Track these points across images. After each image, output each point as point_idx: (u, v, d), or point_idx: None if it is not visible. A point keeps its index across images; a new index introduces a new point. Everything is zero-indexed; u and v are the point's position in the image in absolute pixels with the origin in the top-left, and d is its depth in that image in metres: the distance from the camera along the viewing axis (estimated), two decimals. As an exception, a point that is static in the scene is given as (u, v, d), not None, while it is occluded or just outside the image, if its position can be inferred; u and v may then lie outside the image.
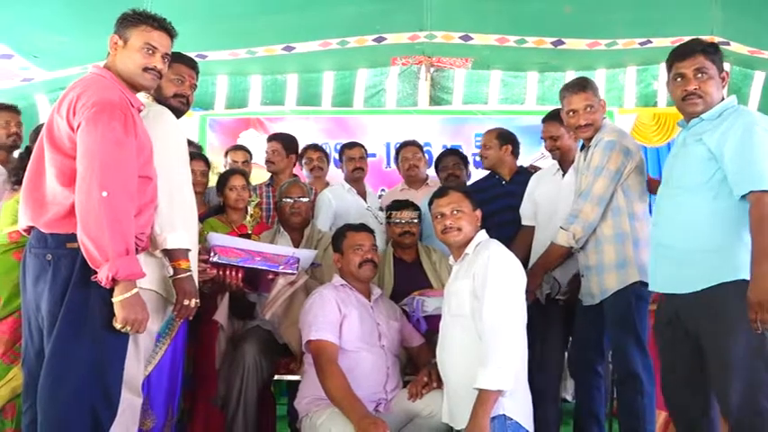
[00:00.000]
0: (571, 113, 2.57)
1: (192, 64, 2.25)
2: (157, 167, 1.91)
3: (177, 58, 2.18)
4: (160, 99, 2.13)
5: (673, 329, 2.15)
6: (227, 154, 3.97)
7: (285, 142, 3.72)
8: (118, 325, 1.72)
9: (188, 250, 1.97)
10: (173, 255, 1.94)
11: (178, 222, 1.95)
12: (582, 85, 2.58)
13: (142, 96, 2.01)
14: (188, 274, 1.96)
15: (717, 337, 1.99)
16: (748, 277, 1.90)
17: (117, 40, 1.91)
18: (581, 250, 2.58)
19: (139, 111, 1.91)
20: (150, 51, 1.90)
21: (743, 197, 1.93)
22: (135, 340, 1.88)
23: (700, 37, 2.30)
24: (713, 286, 1.98)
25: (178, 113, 2.18)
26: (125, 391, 1.87)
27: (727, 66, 5.02)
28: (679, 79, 2.11)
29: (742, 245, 1.95)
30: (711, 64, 2.09)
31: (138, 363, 1.93)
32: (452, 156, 3.62)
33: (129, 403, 1.90)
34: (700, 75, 2.08)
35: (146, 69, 1.89)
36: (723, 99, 2.10)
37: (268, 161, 3.71)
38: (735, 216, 1.97)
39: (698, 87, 2.07)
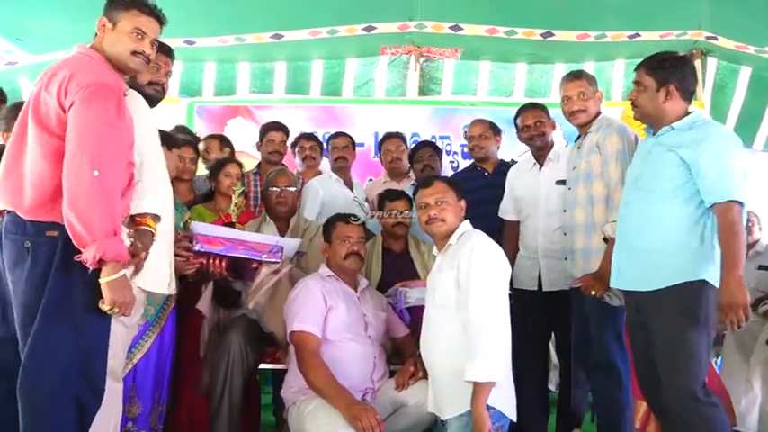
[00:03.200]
0: (565, 100, 2.65)
1: (167, 51, 2.23)
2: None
3: None
4: (134, 86, 2.11)
5: (635, 325, 2.26)
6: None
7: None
8: (105, 307, 1.72)
9: (156, 216, 1.96)
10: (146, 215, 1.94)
11: (147, 191, 1.93)
12: (577, 74, 2.71)
13: None
14: (149, 230, 1.93)
15: (670, 332, 2.08)
16: (708, 278, 2.05)
17: (106, 22, 1.90)
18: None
19: (125, 95, 1.90)
20: (139, 36, 1.89)
21: (711, 205, 2.04)
22: (115, 328, 1.88)
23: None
24: (675, 285, 2.08)
25: (153, 101, 2.17)
26: (107, 377, 1.87)
27: (713, 60, 5.11)
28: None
29: (704, 248, 2.07)
30: (651, 78, 2.22)
31: (115, 347, 1.91)
32: (428, 147, 3.65)
33: (111, 389, 1.89)
34: (637, 86, 2.26)
35: (134, 53, 1.89)
36: (689, 112, 2.23)
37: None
38: (701, 221, 2.09)
39: (634, 98, 2.27)
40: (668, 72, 2.21)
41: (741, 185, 2.04)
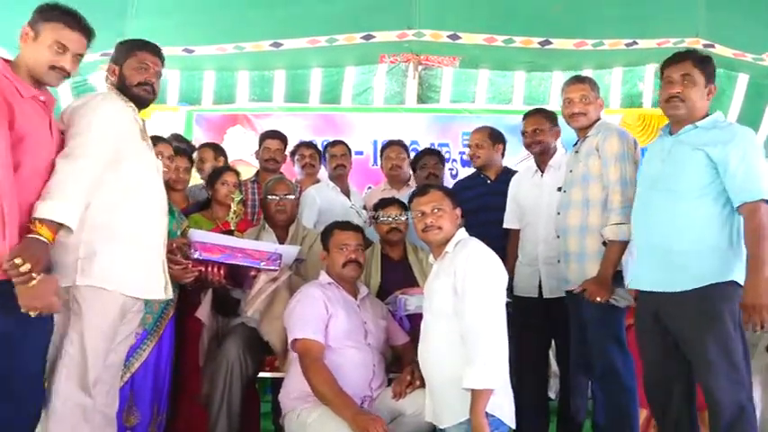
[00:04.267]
0: (567, 102, 2.65)
1: (155, 50, 2.17)
2: (68, 140, 1.88)
3: (139, 46, 2.13)
4: (123, 89, 2.10)
5: (653, 327, 2.21)
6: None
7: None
8: (24, 310, 1.70)
9: (59, 224, 1.77)
10: (43, 222, 1.75)
11: (57, 191, 1.77)
12: (581, 79, 2.73)
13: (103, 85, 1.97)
14: (37, 238, 1.73)
15: (704, 335, 2.05)
16: (738, 279, 2.02)
17: (28, 30, 1.85)
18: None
19: (42, 101, 1.86)
20: (60, 50, 1.85)
21: (739, 205, 2.03)
22: (81, 339, 1.89)
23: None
24: (705, 286, 2.05)
25: (143, 102, 2.14)
26: (74, 388, 1.88)
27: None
28: (666, 83, 2.21)
29: (733, 248, 2.05)
30: (699, 73, 2.17)
31: (84, 360, 1.90)
32: (432, 155, 3.65)
33: (77, 402, 1.89)
34: (685, 80, 2.17)
35: (52, 67, 1.85)
36: (708, 112, 2.21)
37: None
38: (729, 221, 2.08)
39: (680, 91, 2.16)
40: (712, 69, 2.21)
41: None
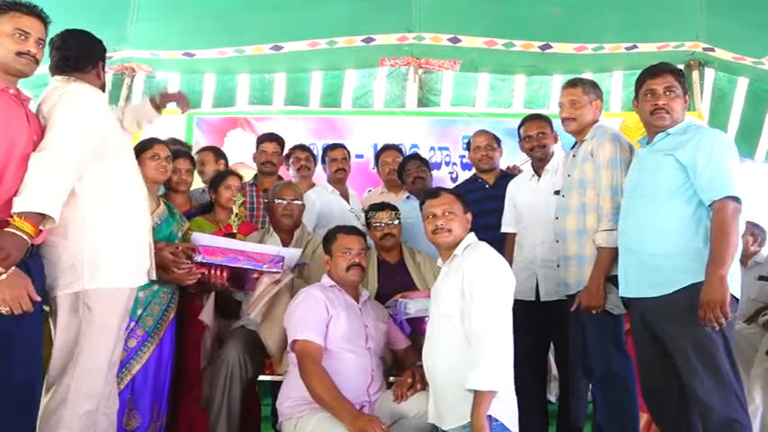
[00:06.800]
0: (560, 106, 2.67)
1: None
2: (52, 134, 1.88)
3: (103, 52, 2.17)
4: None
5: (642, 333, 2.24)
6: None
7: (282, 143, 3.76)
8: None
9: (41, 216, 1.76)
10: (22, 216, 1.75)
11: (33, 184, 1.76)
12: (573, 83, 2.70)
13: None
14: (12, 232, 1.72)
15: (682, 338, 2.06)
16: None
17: None
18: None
19: (12, 93, 1.87)
20: (22, 36, 1.89)
21: (709, 204, 2.06)
22: (94, 345, 1.92)
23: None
24: (684, 288, 2.07)
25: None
26: (84, 395, 1.90)
27: (711, 72, 5.13)
28: (649, 95, 2.28)
29: (708, 248, 2.06)
30: (679, 84, 2.27)
31: (98, 366, 1.93)
32: (414, 160, 3.63)
33: (87, 409, 1.93)
34: (669, 92, 2.25)
35: (19, 54, 1.89)
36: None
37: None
38: (703, 222, 2.10)
39: (666, 103, 2.24)
40: (684, 80, 2.31)
41: (737, 182, 2.06)
